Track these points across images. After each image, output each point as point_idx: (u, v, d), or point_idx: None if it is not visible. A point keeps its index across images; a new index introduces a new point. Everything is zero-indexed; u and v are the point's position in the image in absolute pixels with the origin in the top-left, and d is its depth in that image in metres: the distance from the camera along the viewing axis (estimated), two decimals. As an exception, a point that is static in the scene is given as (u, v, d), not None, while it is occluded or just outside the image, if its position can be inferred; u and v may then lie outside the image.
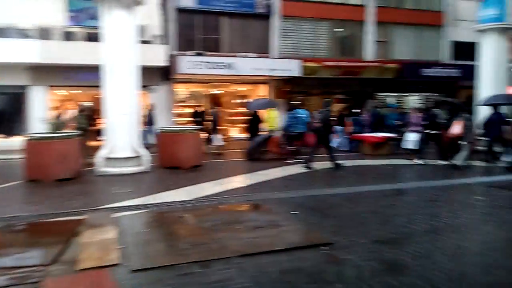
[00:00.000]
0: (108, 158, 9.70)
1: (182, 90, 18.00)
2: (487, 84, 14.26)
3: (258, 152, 12.38)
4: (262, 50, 17.35)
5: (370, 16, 18.48)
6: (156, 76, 15.97)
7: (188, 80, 16.74)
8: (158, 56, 15.00)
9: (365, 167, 10.86)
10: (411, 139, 11.52)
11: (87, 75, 14.96)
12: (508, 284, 3.67)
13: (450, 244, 4.71)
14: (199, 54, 15.53)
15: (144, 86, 14.94)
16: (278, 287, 3.63)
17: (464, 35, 18.90)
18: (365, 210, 6.25)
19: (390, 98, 18.68)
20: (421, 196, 7.45)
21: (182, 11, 16.43)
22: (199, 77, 15.84)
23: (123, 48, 9.67)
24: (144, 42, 14.32)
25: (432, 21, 19.52)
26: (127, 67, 9.71)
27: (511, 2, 13.97)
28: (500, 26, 13.90)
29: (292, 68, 16.27)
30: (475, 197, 7.37)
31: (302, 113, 12.52)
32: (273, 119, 13.06)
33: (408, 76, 18.15)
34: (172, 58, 15.60)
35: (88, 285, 3.73)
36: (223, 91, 19.18)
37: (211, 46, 16.71)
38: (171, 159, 10.29)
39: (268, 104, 14.23)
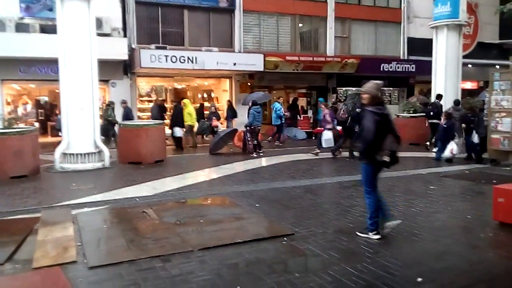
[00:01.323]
0: (66, 154, 9.41)
1: (144, 85, 17.67)
2: (441, 78, 14.87)
3: (222, 146, 12.40)
4: (226, 44, 17.27)
5: (331, 12, 18.79)
6: (117, 70, 15.58)
7: (150, 74, 16.44)
8: (118, 49, 14.63)
9: (325, 160, 11.09)
10: (326, 137, 11.26)
11: (43, 68, 14.44)
12: (459, 269, 3.87)
13: (405, 231, 4.92)
14: (161, 48, 15.26)
15: (104, 80, 14.69)
16: (239, 278, 3.68)
17: (420, 31, 19.59)
18: (325, 201, 6.41)
19: (349, 92, 19.08)
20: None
21: (143, 3, 16.07)
22: (162, 71, 15.58)
23: (80, 40, 9.37)
24: (103, 34, 13.94)
25: (390, 17, 20.09)
26: (85, 60, 9.43)
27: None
28: (453, 22, 14.51)
29: (255, 62, 16.30)
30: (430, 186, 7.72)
31: (278, 107, 12.90)
32: (192, 114, 13.74)
33: (368, 71, 18.62)
34: (133, 51, 15.26)
35: (41, 284, 3.64)
36: (186, 86, 19.00)
37: (174, 40, 16.46)
38: (133, 154, 10.12)
39: (264, 97, 15.30)
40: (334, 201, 6.46)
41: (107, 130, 12.51)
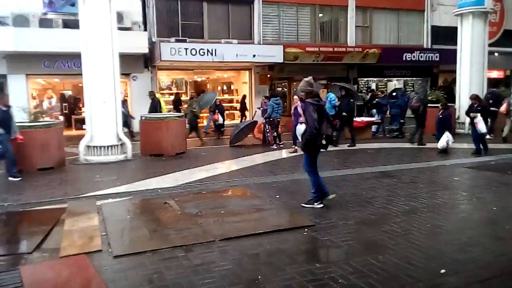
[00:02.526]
0: (90, 147, 9.61)
1: (165, 78, 17.83)
2: (466, 67, 14.48)
3: (242, 138, 12.43)
4: (245, 36, 17.24)
5: (351, 1, 18.47)
6: (138, 63, 15.77)
7: (170, 67, 16.58)
8: (139, 43, 14.79)
9: (347, 151, 10.99)
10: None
11: (66, 63, 14.74)
12: (483, 261, 3.80)
13: (428, 223, 4.85)
14: (181, 41, 15.35)
15: (126, 74, 14.89)
16: (259, 268, 3.70)
17: (444, 19, 19.08)
18: (346, 193, 6.36)
19: (372, 82, 18.84)
20: (401, 178, 7.61)
21: (162, -4, 16.17)
22: (182, 63, 15.69)
23: (102, 35, 9.50)
24: (124, 29, 14.11)
25: (412, 6, 19.64)
26: (106, 55, 9.56)
27: (490, -14, 14.16)
28: (478, 9, 14.07)
29: (274, 54, 16.23)
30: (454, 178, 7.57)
31: (332, 97, 13.08)
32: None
33: (389, 61, 18.30)
34: (153, 45, 15.40)
35: (69, 271, 3.75)
36: (206, 78, 19.08)
37: (194, 33, 16.53)
38: (154, 146, 10.26)
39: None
40: (355, 193, 6.40)
41: (192, 121, 12.96)
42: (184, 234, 4.51)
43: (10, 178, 7.62)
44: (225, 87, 19.35)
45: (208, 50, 15.19)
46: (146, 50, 15.21)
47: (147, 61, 15.98)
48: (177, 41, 15.31)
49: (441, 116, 10.39)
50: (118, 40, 9.82)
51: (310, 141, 5.33)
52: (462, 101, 14.35)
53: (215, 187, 7.05)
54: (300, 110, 5.73)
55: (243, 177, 7.82)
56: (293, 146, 10.68)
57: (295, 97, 11.96)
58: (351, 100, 11.78)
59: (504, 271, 3.57)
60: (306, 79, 5.57)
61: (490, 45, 15.48)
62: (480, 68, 14.35)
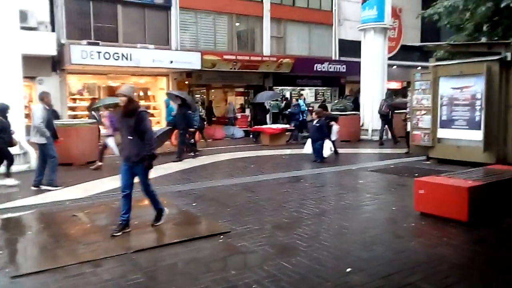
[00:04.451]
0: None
1: (75, 82, 16.78)
2: (368, 78, 15.73)
3: (158, 145, 12.13)
4: (162, 41, 16.91)
5: (267, 12, 19.09)
6: (45, 66, 14.65)
7: (82, 71, 15.66)
8: (45, 44, 13.76)
9: (263, 157, 11.28)
10: (112, 145, 9.52)
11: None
12: (385, 258, 4.12)
13: (336, 224, 5.16)
14: (93, 44, 14.60)
15: (30, 77, 13.75)
16: (174, 279, 3.65)
17: (350, 34, 20.54)
18: (262, 198, 6.53)
19: (286, 91, 19.60)
20: (313, 182, 8.01)
21: (73, -4, 15.26)
22: (94, 68, 14.91)
23: (1, 34, 8.70)
24: (28, 28, 13.06)
25: (321, 20, 20.84)
26: (6, 56, 8.76)
27: (388, 4, 15.54)
28: (379, 25, 15.41)
29: (192, 60, 16.13)
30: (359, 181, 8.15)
31: (302, 103, 13.30)
32: None
33: (302, 70, 19.19)
34: (63, 47, 14.44)
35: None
36: (121, 83, 18.32)
37: (107, 36, 15.82)
38: (63, 155, 9.58)
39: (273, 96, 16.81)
40: (270, 197, 6.60)
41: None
42: (93, 248, 4.28)
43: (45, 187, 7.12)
44: (141, 93, 18.74)
45: (122, 55, 14.62)
46: (54, 52, 14.20)
47: (55, 64, 14.92)
48: (89, 44, 14.53)
49: (317, 125, 10.37)
50: (21, 40, 9.05)
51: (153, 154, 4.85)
52: (366, 110, 15.56)
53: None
54: (107, 122, 5.50)
55: (158, 185, 7.58)
56: (98, 161, 9.42)
57: (103, 109, 10.55)
58: (188, 112, 11.08)
59: (404, 266, 3.87)
60: (130, 85, 5.19)
61: (389, 58, 17.00)
62: (380, 79, 15.69)
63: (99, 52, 14.21)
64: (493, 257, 4.16)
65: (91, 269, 3.79)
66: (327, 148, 10.09)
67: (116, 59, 14.51)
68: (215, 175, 8.74)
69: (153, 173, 8.66)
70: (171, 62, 15.68)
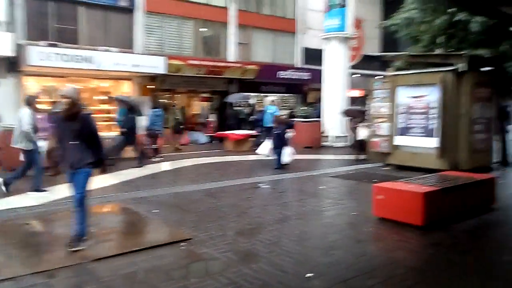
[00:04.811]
0: None
1: (33, 85, 16.10)
2: (330, 86, 16.09)
3: (120, 151, 11.84)
4: (126, 45, 16.57)
5: (232, 19, 19.16)
6: (0, 67, 14.01)
7: (40, 73, 15.06)
8: (1, 44, 13.16)
9: (227, 163, 11.27)
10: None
11: None
12: (345, 263, 4.20)
13: (297, 230, 5.22)
14: (52, 45, 14.10)
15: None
16: (132, 288, 3.57)
17: (313, 42, 20.93)
18: (225, 204, 6.51)
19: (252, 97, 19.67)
20: (276, 187, 8.08)
21: (31, -4, 14.69)
22: (53, 70, 14.39)
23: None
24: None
25: (286, 28, 21.13)
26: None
27: (351, 14, 15.99)
28: (341, 35, 15.81)
29: (157, 65, 15.91)
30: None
31: (272, 108, 13.10)
32: None
33: (266, 77, 19.36)
34: (20, 48, 13.84)
35: None
36: (82, 87, 17.77)
37: (68, 38, 15.31)
38: (17, 160, 9.15)
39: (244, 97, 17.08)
40: (233, 203, 6.59)
41: (177, 128, 14.54)
42: (48, 258, 4.12)
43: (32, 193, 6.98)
44: (103, 97, 18.25)
45: (83, 57, 14.22)
46: (9, 53, 13.59)
47: (12, 66, 14.27)
48: (48, 45, 14.03)
49: (277, 132, 10.31)
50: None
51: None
52: (327, 117, 15.90)
53: (89, 203, 6.57)
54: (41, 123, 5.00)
55: (119, 192, 7.46)
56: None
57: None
58: (133, 116, 10.54)
59: (363, 271, 3.96)
60: (74, 86, 4.72)
61: (351, 67, 17.46)
62: (342, 87, 16.08)
63: (58, 54, 13.76)
64: (447, 260, 4.33)
65: (45, 280, 3.64)
66: (287, 155, 10.09)
67: (76, 62, 14.10)
68: (177, 181, 8.63)
69: (113, 179, 8.56)
70: (135, 65, 15.40)
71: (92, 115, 4.66)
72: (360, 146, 11.79)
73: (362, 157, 11.55)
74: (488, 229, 5.60)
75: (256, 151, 10.82)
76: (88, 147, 4.43)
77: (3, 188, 7.06)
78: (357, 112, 12.76)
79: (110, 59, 14.91)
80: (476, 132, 9.73)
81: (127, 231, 5.09)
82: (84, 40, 15.71)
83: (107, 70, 14.97)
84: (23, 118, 6.97)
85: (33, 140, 6.99)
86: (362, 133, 11.66)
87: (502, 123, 11.07)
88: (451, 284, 3.75)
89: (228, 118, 16.95)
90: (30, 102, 7.19)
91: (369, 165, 10.77)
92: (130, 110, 10.51)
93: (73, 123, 4.32)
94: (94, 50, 14.98)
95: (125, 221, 5.55)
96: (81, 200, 4.51)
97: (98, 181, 8.26)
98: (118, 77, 16.95)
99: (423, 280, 3.83)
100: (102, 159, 4.60)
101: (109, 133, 16.18)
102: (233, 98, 17.59)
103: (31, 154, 7.06)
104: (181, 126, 15.63)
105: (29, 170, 7.17)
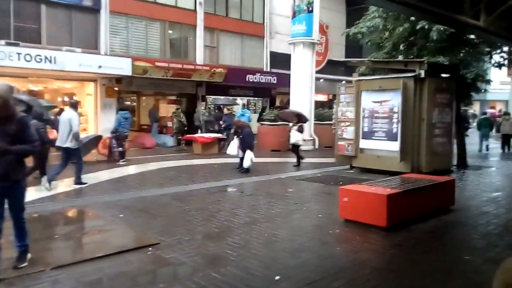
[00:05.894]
0: None
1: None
2: (297, 90, 16.32)
3: (84, 154, 11.54)
4: (90, 45, 16.15)
5: (200, 21, 19.08)
6: (-47, 67, 13.34)
7: (0, 74, 14.44)
8: (-45, 43, 12.56)
9: (195, 166, 11.20)
10: None
11: None
12: (312, 265, 4.27)
13: (266, 232, 5.26)
14: (12, 44, 13.55)
15: None
16: (98, 295, 3.50)
17: (280, 46, 21.17)
18: (192, 208, 6.47)
19: (221, 100, 19.63)
20: (244, 191, 8.10)
21: (-11, -7, 14.09)
22: (13, 70, 13.82)
23: None
24: None
25: (253, 32, 21.26)
26: None
27: (316, 20, 16.28)
28: (307, 40, 16.08)
29: (122, 66, 15.58)
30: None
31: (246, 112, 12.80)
32: None
33: (234, 80, 19.39)
34: (-23, 47, 13.23)
35: None
36: (44, 88, 17.20)
37: (29, 37, 14.78)
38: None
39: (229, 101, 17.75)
40: (201, 207, 6.57)
41: (181, 130, 15.26)
42: (6, 266, 3.96)
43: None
44: (66, 99, 17.73)
45: (46, 57, 13.75)
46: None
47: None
48: (8, 44, 13.46)
49: (241, 136, 10.30)
50: None
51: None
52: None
53: (51, 209, 6.38)
54: None
55: (84, 196, 7.28)
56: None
57: None
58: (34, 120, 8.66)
59: (329, 272, 4.04)
60: (7, 83, 4.05)
61: (317, 72, 17.78)
62: (308, 92, 16.34)
63: (19, 54, 13.23)
64: (409, 260, 4.50)
65: (4, 289, 3.52)
66: (248, 159, 9.98)
67: (38, 62, 13.60)
68: (144, 185, 8.50)
69: (77, 183, 8.32)
70: (100, 67, 15.03)
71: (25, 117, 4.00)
72: (293, 151, 11.51)
73: (296, 163, 11.19)
74: (448, 229, 5.84)
75: (227, 151, 10.79)
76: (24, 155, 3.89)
77: (47, 185, 7.57)
78: (291, 115, 12.57)
79: (74, 60, 14.48)
80: (436, 136, 10.14)
81: (92, 237, 4.96)
82: (47, 39, 15.21)
83: (71, 71, 14.55)
84: (73, 120, 7.77)
85: (78, 140, 7.99)
86: (294, 137, 11.38)
87: (460, 127, 11.58)
88: (413, 283, 3.89)
89: (196, 121, 16.84)
90: (76, 106, 8.34)
91: (336, 168, 11.00)
92: (28, 111, 8.27)
93: (7, 126, 3.70)
94: (58, 50, 14.53)
95: (89, 226, 5.42)
96: (20, 217, 4.00)
97: (61, 185, 8.11)
98: (83, 78, 16.52)
99: (386, 280, 3.96)
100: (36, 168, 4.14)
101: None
102: (220, 101, 17.68)
103: (77, 152, 8.02)
104: (185, 128, 15.92)
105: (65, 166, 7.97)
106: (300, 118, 12.00)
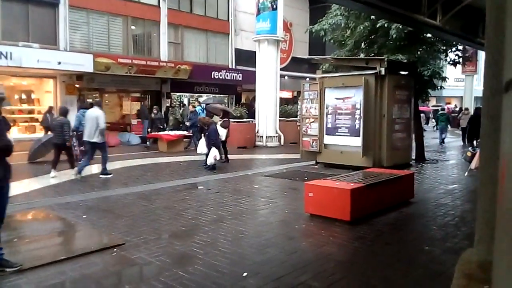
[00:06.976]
0: None
1: None
2: (262, 87, 16.42)
3: (44, 154, 11.15)
4: (49, 41, 15.56)
5: (164, 17, 18.79)
6: None
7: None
8: None
9: (160, 164, 11.06)
10: None
11: None
12: (278, 260, 4.33)
13: (233, 229, 5.29)
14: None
15: None
16: (61, 298, 3.42)
17: (245, 43, 21.21)
18: (158, 207, 6.41)
19: (185, 97, 19.47)
20: (211, 188, 8.10)
21: None
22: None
23: None
24: None
25: (218, 28, 21.17)
26: None
27: (280, 18, 16.42)
28: (272, 37, 16.21)
29: (83, 62, 15.13)
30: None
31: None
32: None
33: (200, 77, 19.26)
34: None
35: None
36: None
37: (-18, 32, 14.09)
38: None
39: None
40: (167, 205, 6.51)
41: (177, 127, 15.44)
42: (-37, 272, 3.80)
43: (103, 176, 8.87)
44: (23, 96, 16.99)
45: (1, 53, 13.15)
46: None
47: None
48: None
49: (206, 133, 10.32)
50: None
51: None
52: (261, 117, 16.21)
53: (9, 211, 6.12)
54: None
55: (44, 197, 7.05)
56: None
57: None
58: None
59: (295, 267, 4.11)
60: None
61: (281, 69, 17.95)
62: (274, 88, 16.48)
63: (-29, 49, 12.61)
64: (372, 252, 4.66)
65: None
66: (211, 156, 9.91)
67: (-7, 58, 13.00)
68: (108, 184, 8.33)
69: (38, 184, 8.04)
70: (59, 63, 14.53)
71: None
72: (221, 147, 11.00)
73: (218, 158, 10.41)
74: (409, 221, 6.09)
75: (197, 151, 10.68)
76: None
77: (79, 175, 8.63)
78: (218, 110, 12.51)
79: (31, 56, 13.95)
80: (396, 132, 10.49)
81: (54, 239, 4.82)
82: (2, 34, 14.53)
83: (28, 67, 13.99)
84: (100, 118, 8.75)
85: (104, 135, 8.97)
86: (219, 132, 10.90)
87: (419, 123, 12.02)
88: (376, 274, 4.03)
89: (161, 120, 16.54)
90: (101, 104, 9.56)
91: (301, 164, 11.16)
92: None
93: None
94: (14, 45, 13.92)
95: (51, 228, 5.25)
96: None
97: (21, 186, 7.81)
98: (41, 75, 15.92)
99: (350, 272, 4.09)
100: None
101: (31, 135, 15.22)
102: (211, 101, 17.71)
103: (103, 146, 9.01)
104: (180, 125, 15.86)
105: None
106: (225, 114, 12.03)
